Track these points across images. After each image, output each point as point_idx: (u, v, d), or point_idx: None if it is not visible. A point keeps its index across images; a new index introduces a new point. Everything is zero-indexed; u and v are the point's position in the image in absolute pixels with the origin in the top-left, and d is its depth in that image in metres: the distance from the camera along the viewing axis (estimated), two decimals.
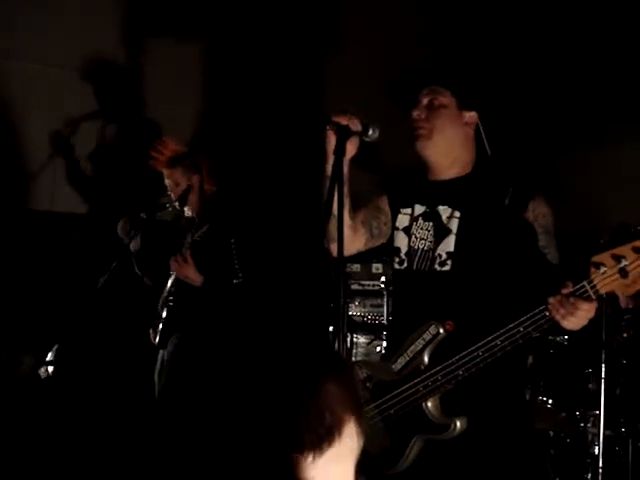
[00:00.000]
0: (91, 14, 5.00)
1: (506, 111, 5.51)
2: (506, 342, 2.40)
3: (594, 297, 2.26)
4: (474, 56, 5.64)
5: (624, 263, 2.17)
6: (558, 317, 2.32)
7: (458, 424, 2.49)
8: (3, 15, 4.72)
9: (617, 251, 2.18)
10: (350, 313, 4.88)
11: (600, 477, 3.75)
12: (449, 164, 2.67)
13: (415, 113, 2.67)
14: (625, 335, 4.04)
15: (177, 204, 4.23)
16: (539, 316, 2.37)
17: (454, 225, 2.61)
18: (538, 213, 2.57)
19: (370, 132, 2.45)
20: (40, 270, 4.71)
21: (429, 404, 2.52)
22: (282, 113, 5.51)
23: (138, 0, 5.23)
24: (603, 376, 3.79)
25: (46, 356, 4.28)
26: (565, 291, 2.30)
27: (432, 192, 2.69)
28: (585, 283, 2.25)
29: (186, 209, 4.23)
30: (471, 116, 2.68)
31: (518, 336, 2.39)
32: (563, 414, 4.10)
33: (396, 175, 2.87)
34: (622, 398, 4.02)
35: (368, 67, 5.75)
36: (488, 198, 2.60)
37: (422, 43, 5.96)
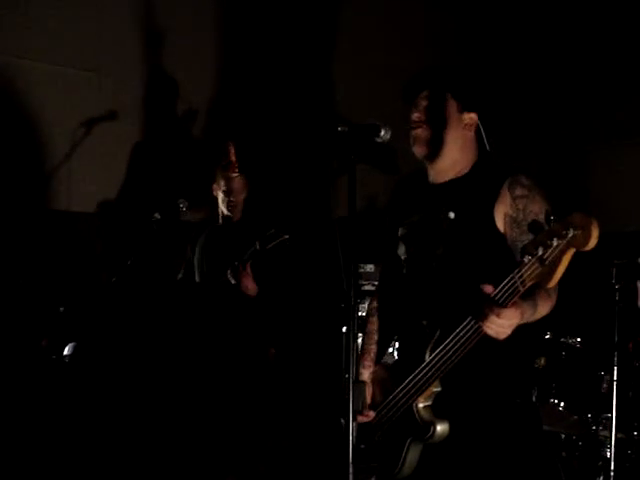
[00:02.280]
0: (106, 13, 5.04)
1: (528, 111, 5.51)
2: (451, 354, 2.39)
3: (522, 290, 2.16)
4: (492, 55, 5.64)
5: (541, 251, 2.07)
6: (485, 324, 2.25)
7: (438, 428, 2.46)
8: (19, 15, 4.76)
9: (538, 238, 2.08)
10: (362, 314, 4.88)
11: None
12: (448, 166, 2.66)
13: (414, 115, 2.67)
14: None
15: (228, 210, 4.26)
16: (469, 327, 2.33)
17: (447, 226, 2.60)
18: (515, 196, 2.51)
19: (382, 133, 2.45)
20: (57, 269, 4.74)
21: (419, 405, 2.51)
22: (294, 115, 5.52)
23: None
24: (615, 379, 3.78)
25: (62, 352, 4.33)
26: (488, 290, 2.22)
27: (430, 196, 2.69)
28: (514, 274, 2.16)
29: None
30: (471, 117, 2.66)
31: (456, 352, 2.37)
32: (575, 417, 4.09)
33: (404, 183, 2.87)
34: (634, 401, 4.01)
35: (383, 67, 5.76)
36: (482, 197, 2.57)
37: (436, 43, 5.97)
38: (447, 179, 2.67)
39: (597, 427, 4.04)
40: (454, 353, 2.38)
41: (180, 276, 4.39)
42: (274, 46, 5.61)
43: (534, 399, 2.74)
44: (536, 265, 2.09)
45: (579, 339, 4.13)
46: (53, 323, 4.42)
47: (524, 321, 2.31)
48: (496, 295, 2.21)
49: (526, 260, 2.11)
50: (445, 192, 2.65)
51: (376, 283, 4.97)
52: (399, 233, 2.76)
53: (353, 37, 5.87)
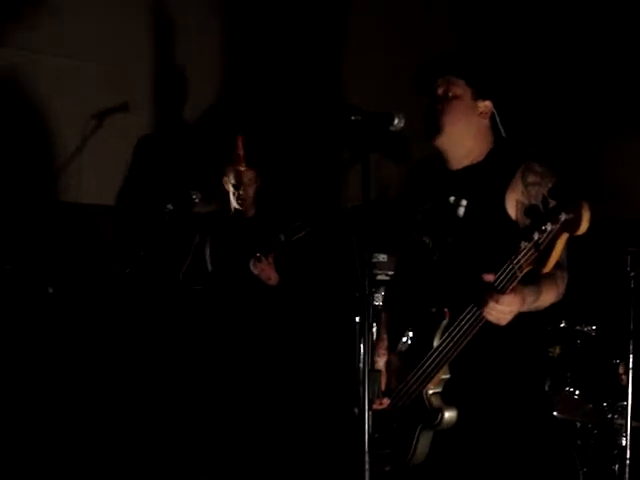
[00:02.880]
0: (116, 6, 5.04)
1: (543, 98, 5.49)
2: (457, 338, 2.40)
3: (519, 275, 2.17)
4: (508, 42, 5.61)
5: (537, 236, 2.07)
6: (485, 311, 2.25)
7: (446, 415, 2.46)
8: (29, 9, 4.76)
9: (534, 223, 2.08)
10: (376, 303, 4.88)
11: (627, 468, 3.74)
12: (464, 154, 2.66)
13: (429, 104, 2.66)
14: None
15: (238, 204, 4.26)
16: (471, 314, 2.33)
17: (461, 214, 2.60)
18: (527, 183, 2.51)
19: (396, 121, 2.44)
20: (67, 261, 4.75)
21: (429, 392, 2.51)
22: (304, 105, 5.51)
23: None
24: (631, 367, 3.77)
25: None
26: (488, 278, 2.23)
27: (445, 183, 2.69)
28: (511, 260, 2.17)
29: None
30: (486, 105, 2.66)
31: (460, 338, 2.38)
32: (590, 405, 4.08)
33: (416, 171, 2.87)
34: None
35: (393, 55, 5.74)
36: (495, 183, 2.56)
37: (447, 29, 5.94)
38: (462, 166, 2.67)
39: (613, 415, 4.02)
40: (459, 339, 2.39)
41: (188, 263, 4.41)
42: (284, 38, 5.60)
43: (547, 388, 2.72)
44: (532, 251, 2.10)
45: (594, 327, 4.12)
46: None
47: (527, 308, 2.32)
48: (495, 282, 2.21)
49: (522, 246, 2.12)
50: (459, 179, 2.65)
51: (389, 273, 5.00)
52: (414, 220, 2.75)
53: (362, 28, 5.85)
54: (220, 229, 4.39)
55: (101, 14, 4.97)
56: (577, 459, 3.92)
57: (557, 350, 4.07)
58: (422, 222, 2.74)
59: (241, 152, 4.30)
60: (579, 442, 4.07)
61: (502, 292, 2.20)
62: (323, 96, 5.60)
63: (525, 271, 2.14)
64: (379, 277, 4.93)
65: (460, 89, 2.64)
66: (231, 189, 4.34)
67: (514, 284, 2.18)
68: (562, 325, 4.13)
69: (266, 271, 4.06)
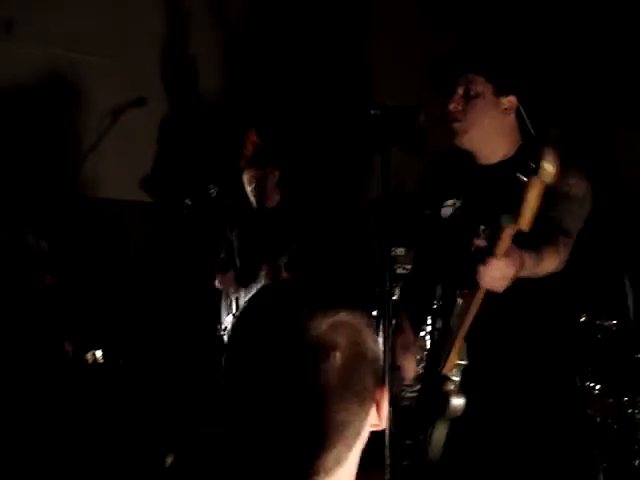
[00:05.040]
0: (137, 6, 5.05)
1: (561, 89, 5.45)
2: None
3: (501, 235, 2.06)
4: (529, 34, 5.58)
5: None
6: (478, 277, 2.15)
7: (452, 402, 2.38)
8: (56, 6, 4.78)
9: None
10: (395, 297, 4.86)
11: None
12: (493, 152, 2.61)
13: (451, 105, 2.59)
14: None
15: (253, 199, 4.26)
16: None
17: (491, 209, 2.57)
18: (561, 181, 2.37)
19: (422, 116, 2.42)
20: (86, 256, 4.76)
21: (445, 378, 2.42)
22: (322, 98, 5.50)
23: None
24: None
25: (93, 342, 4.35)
26: (479, 243, 2.16)
27: (475, 179, 2.64)
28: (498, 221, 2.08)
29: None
30: (509, 101, 2.58)
31: (466, 312, 2.29)
32: (610, 400, 4.06)
33: (436, 164, 2.82)
34: None
35: (411, 48, 5.71)
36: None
37: (464, 23, 5.91)
38: (492, 162, 2.62)
39: (633, 410, 4.00)
40: (464, 314, 2.30)
41: (223, 256, 4.38)
42: (302, 32, 5.58)
43: (578, 382, 2.68)
44: (511, 206, 2.03)
45: (614, 322, 4.09)
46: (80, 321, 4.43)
47: (527, 273, 2.21)
48: (485, 245, 2.14)
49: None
50: (490, 175, 2.59)
51: (407, 266, 4.98)
52: (441, 214, 2.71)
53: (382, 19, 5.83)
54: (245, 222, 4.38)
55: (119, 11, 4.98)
56: (597, 454, 3.89)
57: None
58: (451, 216, 2.67)
59: (248, 152, 4.28)
60: (599, 437, 4.05)
61: (492, 255, 2.09)
62: (345, 89, 5.58)
63: (508, 231, 2.05)
64: (398, 271, 4.92)
65: (481, 86, 2.57)
66: (246, 186, 4.34)
67: (502, 247, 2.09)
68: (582, 319, 4.11)
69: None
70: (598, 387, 4.06)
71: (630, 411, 4.01)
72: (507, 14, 5.88)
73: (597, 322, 4.09)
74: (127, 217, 4.99)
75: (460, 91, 2.60)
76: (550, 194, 2.35)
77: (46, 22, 4.74)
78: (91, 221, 4.85)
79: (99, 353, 4.38)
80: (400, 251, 5.01)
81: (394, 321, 2.82)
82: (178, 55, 5.27)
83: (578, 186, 2.44)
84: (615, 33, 5.52)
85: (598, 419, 4.10)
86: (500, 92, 2.58)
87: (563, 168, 2.42)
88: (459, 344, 2.35)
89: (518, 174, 1.98)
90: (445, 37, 5.47)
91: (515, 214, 2.00)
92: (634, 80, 5.37)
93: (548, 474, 2.48)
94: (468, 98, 2.58)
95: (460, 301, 2.37)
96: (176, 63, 5.27)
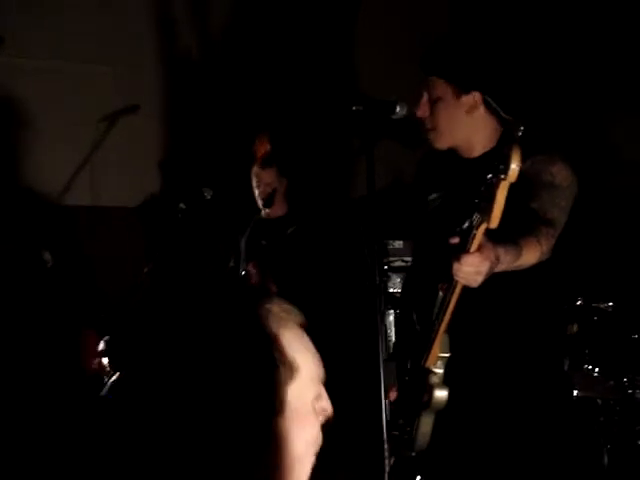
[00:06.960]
0: (122, 5, 5.06)
1: (556, 77, 5.45)
2: None
3: (475, 232, 2.07)
4: (519, 21, 5.58)
5: (483, 188, 1.99)
6: (453, 273, 2.15)
7: (435, 394, 2.39)
8: (52, 16, 4.80)
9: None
10: (393, 290, 4.87)
11: None
12: (469, 147, 2.62)
13: (418, 112, 2.60)
14: None
15: (261, 203, 4.29)
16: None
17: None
18: (540, 169, 2.41)
19: (397, 109, 2.43)
20: (79, 265, 4.78)
21: (429, 371, 2.42)
22: (310, 95, 5.51)
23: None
24: None
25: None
26: (453, 240, 2.16)
27: (460, 172, 2.64)
28: (470, 219, 2.09)
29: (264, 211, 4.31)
30: (471, 98, 2.56)
31: (444, 305, 2.29)
32: (610, 382, 4.07)
33: (429, 157, 2.82)
34: None
35: (400, 38, 5.72)
36: None
37: (451, 18, 5.93)
38: (474, 156, 2.63)
39: (634, 390, 4.02)
40: (443, 307, 2.30)
41: (231, 264, 4.41)
42: (289, 30, 5.59)
43: (566, 367, 2.68)
44: (483, 204, 2.01)
45: (611, 303, 4.10)
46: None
47: (505, 267, 2.21)
48: (459, 241, 2.14)
49: (476, 202, 2.05)
50: (475, 167, 2.58)
51: (406, 259, 4.99)
52: (429, 206, 2.73)
53: (371, 9, 5.84)
54: (252, 232, 4.41)
55: (108, 14, 5.00)
56: (601, 436, 3.91)
57: (574, 328, 4.06)
58: (437, 208, 2.69)
59: (260, 154, 4.32)
60: (602, 419, 4.07)
61: (466, 251, 2.10)
62: (330, 85, 5.59)
63: (480, 228, 2.04)
64: (396, 264, 4.93)
65: (440, 89, 2.56)
66: (254, 189, 4.38)
67: (476, 242, 2.08)
68: (578, 303, 4.12)
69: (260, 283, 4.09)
70: (597, 370, 4.07)
71: (630, 392, 4.03)
72: (499, 5, 5.88)
73: (593, 305, 4.10)
74: (123, 224, 5.01)
75: (425, 96, 2.60)
76: (533, 184, 2.37)
77: (33, 29, 4.77)
78: (88, 229, 4.87)
79: (105, 360, 4.39)
80: (398, 244, 5.03)
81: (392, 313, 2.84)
82: (170, 61, 5.28)
83: (561, 175, 2.43)
84: (613, 18, 5.52)
85: (599, 401, 4.12)
86: (461, 91, 2.56)
87: (544, 157, 2.45)
88: (440, 337, 2.36)
89: (489, 175, 1.97)
90: (433, 33, 5.48)
91: (487, 212, 1.99)
92: (632, 65, 5.37)
93: (536, 462, 2.50)
94: (432, 103, 2.58)
95: (441, 294, 2.38)
96: (168, 69, 5.28)
